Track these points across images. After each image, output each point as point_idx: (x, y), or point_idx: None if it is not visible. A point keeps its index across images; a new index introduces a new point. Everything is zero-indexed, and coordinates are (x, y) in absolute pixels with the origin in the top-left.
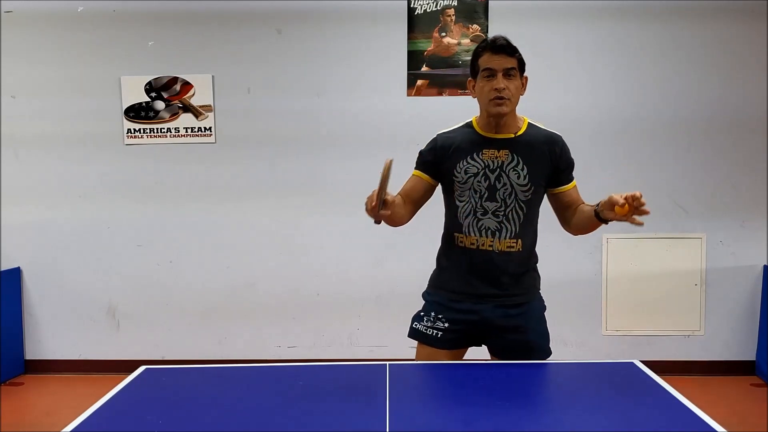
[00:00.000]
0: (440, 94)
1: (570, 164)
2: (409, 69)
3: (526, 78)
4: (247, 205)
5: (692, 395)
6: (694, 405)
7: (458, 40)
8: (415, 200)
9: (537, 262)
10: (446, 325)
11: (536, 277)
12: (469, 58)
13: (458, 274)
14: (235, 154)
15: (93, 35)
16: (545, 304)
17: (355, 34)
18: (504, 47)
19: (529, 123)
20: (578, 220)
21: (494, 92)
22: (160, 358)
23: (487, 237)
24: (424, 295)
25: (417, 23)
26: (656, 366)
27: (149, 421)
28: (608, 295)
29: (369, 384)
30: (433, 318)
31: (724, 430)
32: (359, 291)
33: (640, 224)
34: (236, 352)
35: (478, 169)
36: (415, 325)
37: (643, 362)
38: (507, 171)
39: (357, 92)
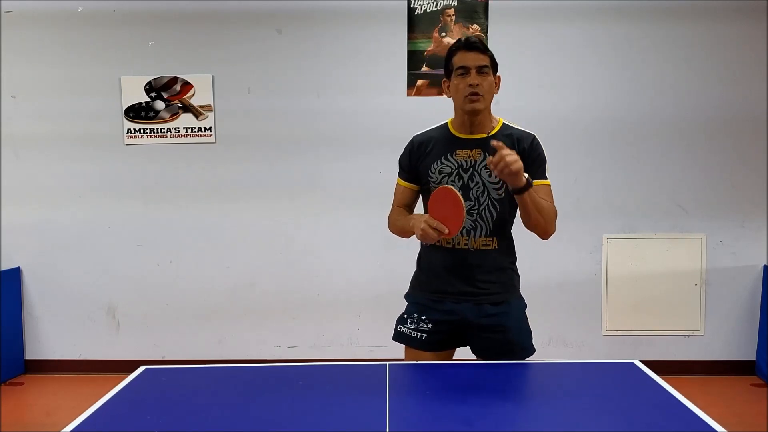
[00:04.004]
0: (440, 94)
1: (538, 161)
2: (409, 69)
3: (499, 77)
4: (247, 205)
5: (692, 395)
6: (694, 405)
7: None
8: (409, 207)
9: (515, 261)
10: (430, 326)
11: (514, 276)
12: None
13: (437, 274)
14: (235, 154)
15: (93, 35)
16: (526, 302)
17: (355, 34)
18: (476, 45)
19: (503, 123)
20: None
21: (469, 88)
22: (160, 358)
23: (462, 236)
24: (407, 297)
25: (417, 23)
26: (656, 366)
27: (149, 421)
28: (608, 295)
29: (369, 384)
30: (416, 319)
31: (724, 430)
32: (359, 291)
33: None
34: (236, 352)
35: (452, 168)
36: (400, 328)
37: (643, 362)
38: (479, 170)
39: (357, 92)
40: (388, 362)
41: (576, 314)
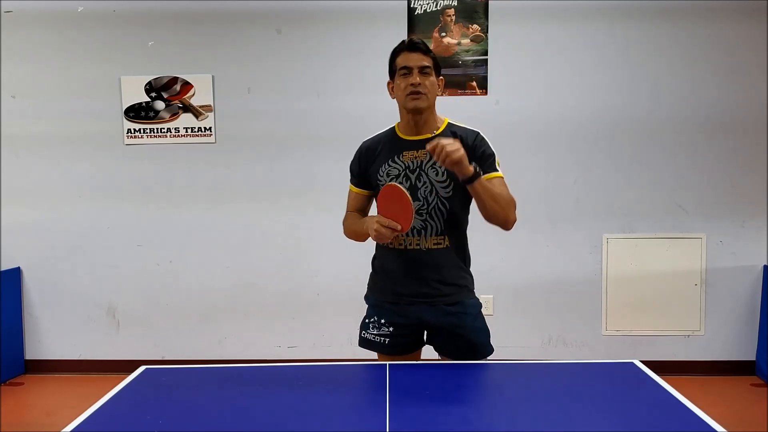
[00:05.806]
0: (441, 94)
1: (485, 155)
2: None
3: (442, 79)
4: (247, 205)
5: (692, 395)
6: (694, 405)
7: (458, 40)
8: (363, 212)
9: (469, 262)
10: (391, 329)
11: (468, 278)
12: (470, 58)
13: (391, 276)
14: (235, 154)
15: (93, 35)
16: (481, 302)
17: (355, 34)
18: (419, 46)
19: (449, 123)
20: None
21: (410, 87)
22: (160, 358)
23: (413, 236)
24: (366, 299)
25: (417, 23)
26: (656, 366)
27: (149, 421)
28: (608, 295)
29: (369, 384)
30: (377, 323)
31: (724, 430)
32: (359, 291)
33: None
34: (236, 352)
35: (399, 170)
36: (363, 334)
37: (643, 362)
38: (426, 169)
39: (357, 92)
40: (388, 362)
41: (576, 314)
